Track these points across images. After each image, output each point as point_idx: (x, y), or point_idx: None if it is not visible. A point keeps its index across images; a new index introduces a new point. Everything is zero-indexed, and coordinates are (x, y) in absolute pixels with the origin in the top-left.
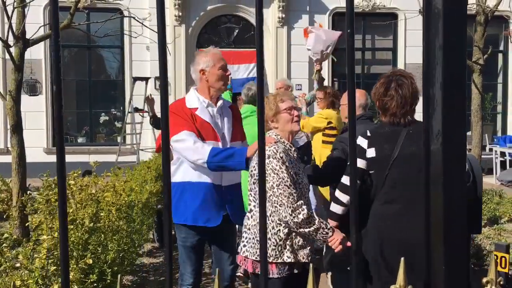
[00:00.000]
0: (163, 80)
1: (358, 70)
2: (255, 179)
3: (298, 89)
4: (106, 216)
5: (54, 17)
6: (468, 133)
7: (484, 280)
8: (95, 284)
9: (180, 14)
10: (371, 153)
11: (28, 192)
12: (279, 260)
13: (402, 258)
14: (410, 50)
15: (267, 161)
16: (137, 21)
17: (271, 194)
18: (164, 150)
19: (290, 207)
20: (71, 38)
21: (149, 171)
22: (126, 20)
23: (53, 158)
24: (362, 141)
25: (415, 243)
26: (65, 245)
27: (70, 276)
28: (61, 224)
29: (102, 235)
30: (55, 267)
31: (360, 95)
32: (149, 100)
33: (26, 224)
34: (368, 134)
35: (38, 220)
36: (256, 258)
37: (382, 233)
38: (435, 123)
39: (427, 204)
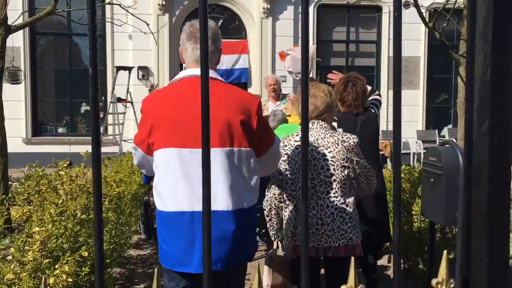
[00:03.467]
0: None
1: (342, 62)
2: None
3: (283, 81)
4: None
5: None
6: (450, 126)
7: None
8: (87, 277)
9: (164, 3)
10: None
11: (10, 183)
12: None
13: (445, 252)
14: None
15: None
16: (123, 8)
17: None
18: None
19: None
20: (50, 26)
21: None
22: (108, 7)
23: (32, 149)
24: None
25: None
26: (101, 243)
27: (66, 269)
28: (97, 224)
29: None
30: (48, 260)
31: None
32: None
33: (10, 220)
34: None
35: (23, 211)
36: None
37: None
38: (482, 112)
39: (468, 194)
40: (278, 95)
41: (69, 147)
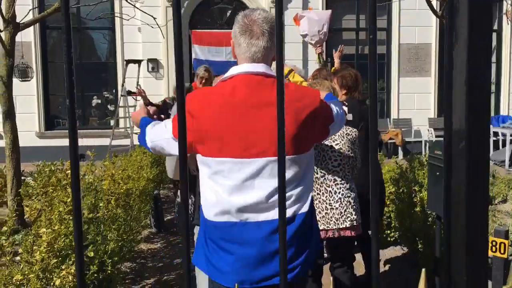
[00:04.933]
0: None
1: (352, 50)
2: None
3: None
4: (105, 206)
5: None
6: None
7: None
8: (95, 275)
9: None
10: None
11: (22, 178)
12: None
13: (423, 270)
14: (404, 30)
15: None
16: (129, 3)
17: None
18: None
19: None
20: (60, 20)
21: (145, 156)
22: (116, 1)
23: (45, 142)
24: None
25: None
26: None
27: (72, 270)
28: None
29: (102, 225)
30: (56, 260)
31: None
32: (140, 94)
33: (23, 214)
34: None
35: (34, 207)
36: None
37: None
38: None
39: (448, 178)
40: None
41: (81, 140)
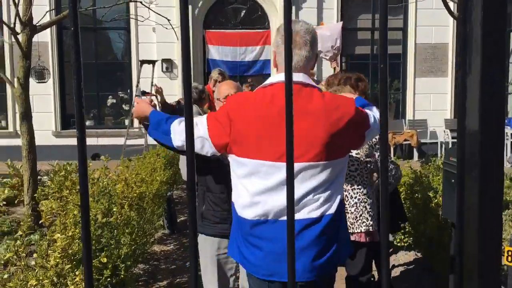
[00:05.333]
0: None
1: (367, 50)
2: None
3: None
4: (118, 211)
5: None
6: None
7: None
8: (108, 279)
9: None
10: None
11: (39, 178)
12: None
13: None
14: (421, 30)
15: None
16: (144, 5)
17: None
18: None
19: None
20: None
21: (158, 158)
22: (132, 2)
23: (62, 141)
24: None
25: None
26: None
27: None
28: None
29: (115, 231)
30: (70, 265)
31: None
32: (158, 92)
33: (40, 216)
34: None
35: (50, 207)
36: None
37: None
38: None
39: (461, 184)
40: None
41: (96, 140)
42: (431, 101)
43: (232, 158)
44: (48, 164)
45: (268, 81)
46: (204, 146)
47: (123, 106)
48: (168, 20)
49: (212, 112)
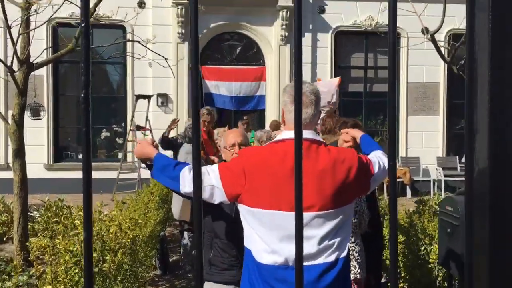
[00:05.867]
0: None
1: (360, 88)
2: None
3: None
4: (111, 259)
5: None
6: None
7: None
8: None
9: (183, 31)
10: None
11: (29, 214)
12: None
13: None
14: (412, 69)
15: None
16: (142, 45)
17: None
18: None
19: None
20: (73, 54)
21: (152, 196)
22: (128, 37)
23: (53, 174)
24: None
25: None
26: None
27: None
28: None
29: (107, 279)
30: None
31: None
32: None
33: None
34: None
35: (39, 245)
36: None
37: None
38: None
39: (469, 194)
40: None
41: None
42: (423, 139)
43: (243, 208)
44: (39, 199)
45: (279, 137)
46: (214, 194)
47: (117, 139)
48: (166, 59)
49: (223, 162)
